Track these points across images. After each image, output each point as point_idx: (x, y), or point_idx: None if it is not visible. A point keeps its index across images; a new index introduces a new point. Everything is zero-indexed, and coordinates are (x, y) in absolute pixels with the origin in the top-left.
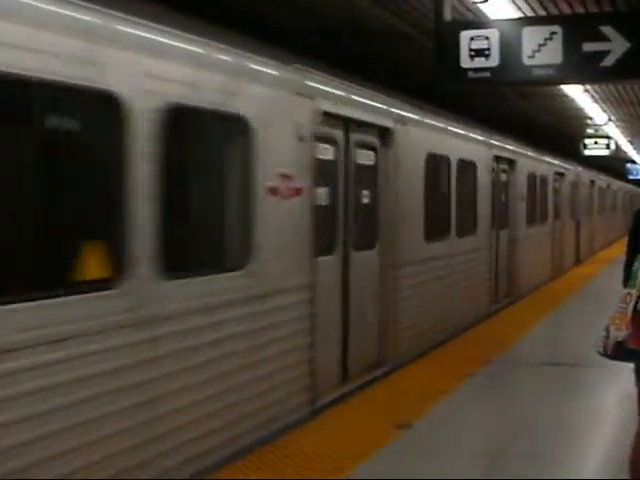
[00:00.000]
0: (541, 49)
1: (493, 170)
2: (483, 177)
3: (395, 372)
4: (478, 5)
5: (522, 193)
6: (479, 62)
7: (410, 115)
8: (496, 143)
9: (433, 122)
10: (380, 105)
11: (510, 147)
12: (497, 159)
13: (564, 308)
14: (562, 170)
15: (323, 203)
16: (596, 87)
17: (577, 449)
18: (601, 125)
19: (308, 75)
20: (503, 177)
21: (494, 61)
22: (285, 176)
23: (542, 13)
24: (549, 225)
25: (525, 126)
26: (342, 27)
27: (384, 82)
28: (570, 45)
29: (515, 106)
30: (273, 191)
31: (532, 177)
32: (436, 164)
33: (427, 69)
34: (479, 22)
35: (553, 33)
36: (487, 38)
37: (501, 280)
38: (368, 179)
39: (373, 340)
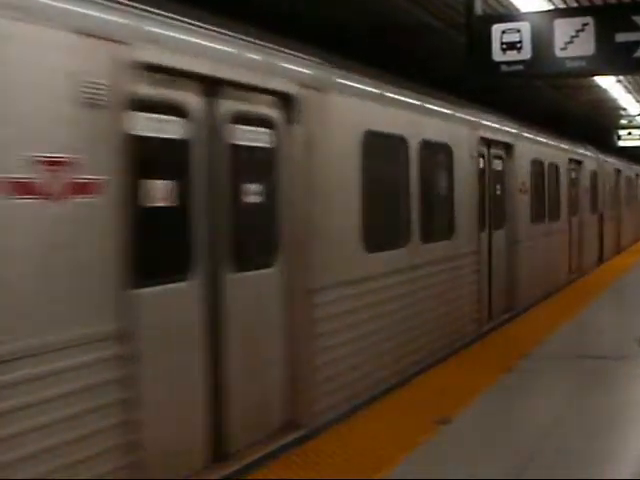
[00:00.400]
0: (573, 41)
1: (482, 156)
2: (463, 164)
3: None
4: None
5: (524, 184)
6: (511, 55)
7: (331, 78)
8: (483, 122)
9: (373, 89)
10: (274, 61)
11: (504, 128)
12: (488, 143)
13: (581, 315)
14: (579, 157)
15: (161, 204)
16: (629, 77)
17: (620, 446)
18: (635, 116)
19: (108, 7)
20: (498, 165)
21: (526, 54)
22: (53, 163)
23: (573, 4)
24: (563, 221)
25: (558, 118)
26: (374, 22)
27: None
28: (602, 36)
29: (547, 98)
30: (23, 188)
31: (538, 165)
32: (382, 146)
33: (457, 63)
34: (510, 15)
35: (585, 24)
36: (519, 31)
37: (497, 292)
38: (259, 168)
39: (276, 398)
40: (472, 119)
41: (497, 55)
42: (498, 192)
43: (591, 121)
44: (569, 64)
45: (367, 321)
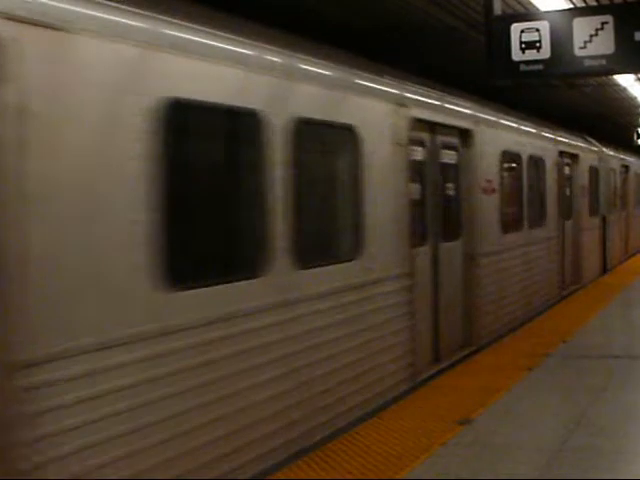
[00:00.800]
0: (592, 39)
1: (421, 144)
2: (381, 155)
3: None
4: None
5: (490, 182)
6: (530, 55)
7: (82, 10)
8: (418, 98)
9: (184, 35)
10: None
11: (456, 107)
12: (430, 127)
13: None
14: (574, 150)
15: None
16: None
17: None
18: None
19: None
20: (448, 157)
21: (545, 53)
22: None
23: (593, 3)
24: (551, 227)
25: (575, 116)
26: (392, 22)
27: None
28: (622, 34)
29: (565, 96)
30: None
31: (513, 157)
32: (207, 124)
33: (479, 63)
34: (529, 14)
35: (604, 23)
36: (538, 30)
37: (447, 325)
38: None
39: None
40: (397, 92)
41: (516, 55)
42: (450, 192)
43: (610, 120)
44: (588, 63)
45: (158, 404)
